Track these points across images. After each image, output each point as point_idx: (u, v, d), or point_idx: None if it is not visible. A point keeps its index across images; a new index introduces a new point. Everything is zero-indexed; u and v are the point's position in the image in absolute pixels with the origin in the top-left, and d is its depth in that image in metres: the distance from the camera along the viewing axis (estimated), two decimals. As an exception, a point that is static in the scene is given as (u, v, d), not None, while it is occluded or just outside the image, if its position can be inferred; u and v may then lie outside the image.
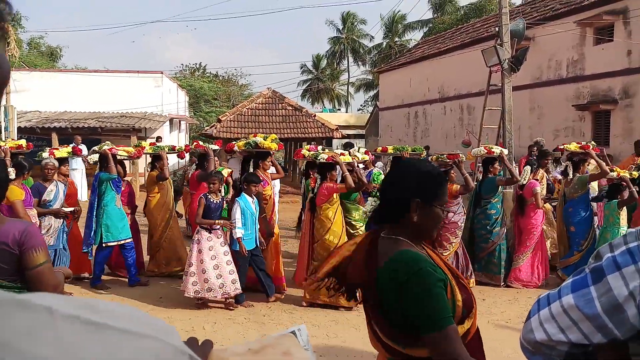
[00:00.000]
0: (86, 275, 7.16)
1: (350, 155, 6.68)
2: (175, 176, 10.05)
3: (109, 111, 19.64)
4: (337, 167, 6.31)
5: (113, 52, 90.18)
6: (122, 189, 7.04)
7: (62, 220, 6.52)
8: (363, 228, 6.62)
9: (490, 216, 7.14)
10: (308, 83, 46.18)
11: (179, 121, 25.04)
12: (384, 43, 41.59)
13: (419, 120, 23.38)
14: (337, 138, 16.89)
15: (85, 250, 6.90)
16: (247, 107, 17.48)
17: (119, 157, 7.17)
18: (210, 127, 18.01)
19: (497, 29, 10.71)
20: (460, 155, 7.25)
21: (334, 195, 6.26)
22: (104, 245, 6.72)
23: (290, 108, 17.54)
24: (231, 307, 5.97)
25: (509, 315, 5.85)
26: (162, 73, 22.24)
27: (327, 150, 6.85)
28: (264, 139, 6.80)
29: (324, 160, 6.34)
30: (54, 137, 16.63)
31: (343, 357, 4.72)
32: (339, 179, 6.50)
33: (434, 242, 6.89)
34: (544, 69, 16.39)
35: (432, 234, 1.90)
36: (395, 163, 7.05)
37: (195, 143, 7.81)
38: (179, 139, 24.08)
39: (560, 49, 15.65)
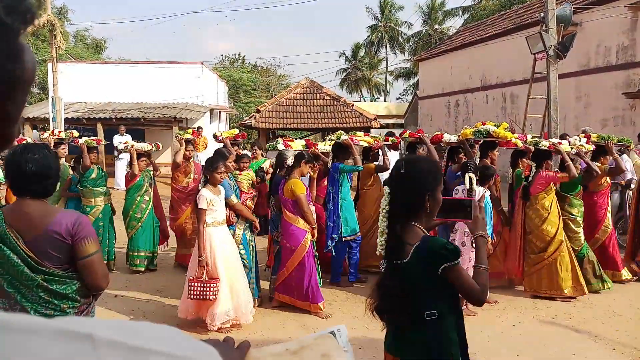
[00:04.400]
0: None
1: (569, 144, 6.26)
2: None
3: (152, 102, 20.04)
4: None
5: (155, 43, 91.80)
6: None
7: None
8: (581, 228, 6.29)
9: None
10: (346, 72, 45.92)
11: (219, 112, 25.32)
12: (423, 30, 40.89)
13: (460, 109, 22.92)
14: (375, 127, 16.73)
15: (328, 249, 6.34)
16: (286, 97, 17.54)
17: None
18: (250, 117, 18.17)
19: (541, 14, 10.34)
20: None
21: (551, 184, 6.03)
22: (343, 239, 6.30)
23: (328, 98, 17.49)
24: None
25: (555, 311, 5.66)
26: (202, 64, 22.49)
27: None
28: (495, 127, 6.20)
29: (545, 148, 6.04)
30: (100, 128, 17.10)
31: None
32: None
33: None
34: (591, 55, 15.76)
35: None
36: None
37: (391, 133, 7.17)
38: (219, 129, 24.36)
39: (610, 35, 15.01)
